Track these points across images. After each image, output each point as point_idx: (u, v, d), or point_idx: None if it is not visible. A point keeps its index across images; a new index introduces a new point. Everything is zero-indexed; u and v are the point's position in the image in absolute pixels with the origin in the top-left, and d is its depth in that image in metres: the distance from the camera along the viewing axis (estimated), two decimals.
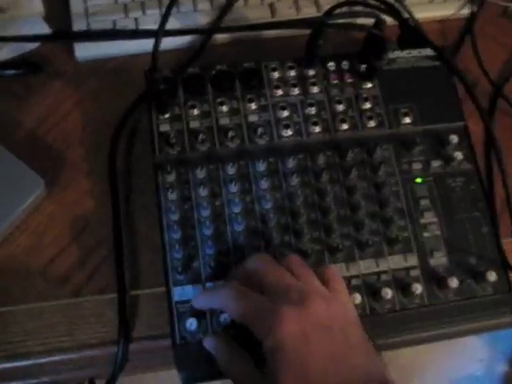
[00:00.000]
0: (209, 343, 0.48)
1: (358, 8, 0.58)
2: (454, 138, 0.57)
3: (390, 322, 0.51)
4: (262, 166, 0.54)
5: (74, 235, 0.56)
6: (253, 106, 0.56)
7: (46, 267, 0.55)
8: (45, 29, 0.63)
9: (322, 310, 0.44)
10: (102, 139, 0.59)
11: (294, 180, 0.54)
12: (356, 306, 0.50)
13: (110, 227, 0.55)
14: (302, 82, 0.58)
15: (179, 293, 0.50)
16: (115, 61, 0.64)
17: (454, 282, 0.52)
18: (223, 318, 0.48)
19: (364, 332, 0.46)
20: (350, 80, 0.59)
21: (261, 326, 0.44)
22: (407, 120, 0.58)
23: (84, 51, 0.62)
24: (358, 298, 0.50)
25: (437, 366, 1.35)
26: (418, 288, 0.51)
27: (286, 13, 0.64)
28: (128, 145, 0.60)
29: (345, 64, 0.59)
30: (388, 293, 0.51)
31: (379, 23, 0.54)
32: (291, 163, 0.54)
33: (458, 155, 0.56)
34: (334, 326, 0.44)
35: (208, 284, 0.50)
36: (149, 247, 0.56)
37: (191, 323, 0.49)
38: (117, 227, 0.55)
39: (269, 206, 0.53)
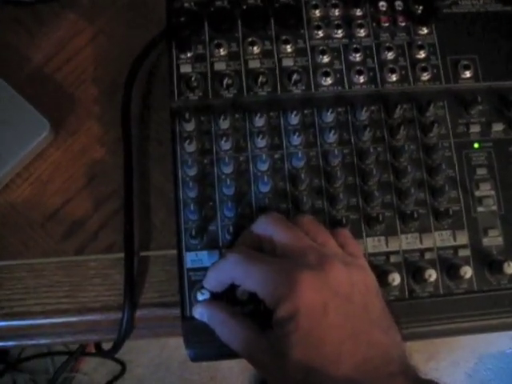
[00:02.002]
0: (199, 313, 0.43)
1: None
2: None
3: (431, 307, 0.45)
4: (295, 119, 0.46)
5: (81, 186, 0.51)
6: (288, 48, 0.49)
7: (48, 220, 0.50)
8: None
9: (343, 276, 0.38)
10: (117, 80, 0.52)
11: (332, 137, 0.46)
12: (394, 287, 0.44)
13: (121, 179, 0.49)
14: (348, 23, 0.50)
15: (192, 259, 0.44)
16: None
17: (509, 267, 0.44)
18: (240, 291, 0.42)
19: (385, 304, 0.41)
20: (403, 23, 0.50)
21: (273, 293, 0.38)
22: (468, 74, 0.49)
23: None
24: (396, 277, 0.44)
25: (466, 341, 1.30)
26: (467, 271, 0.44)
27: None
28: (145, 88, 0.53)
29: (398, 4, 0.51)
30: (432, 274, 0.44)
31: None
32: (329, 117, 0.47)
33: None
34: (355, 296, 0.39)
35: (225, 251, 0.44)
36: (163, 204, 0.50)
37: (203, 294, 0.43)
38: (128, 179, 0.49)
39: (300, 164, 0.46)
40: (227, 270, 0.41)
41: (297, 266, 0.38)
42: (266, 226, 0.42)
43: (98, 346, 0.58)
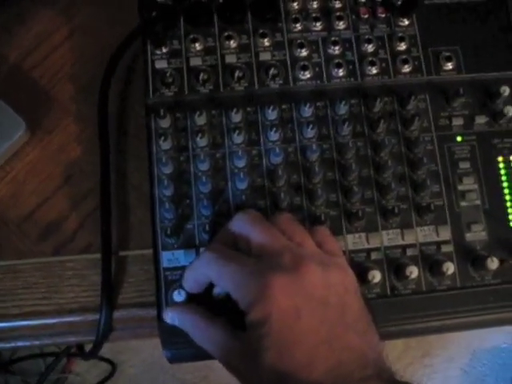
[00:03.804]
0: (170, 318, 0.42)
1: None
2: (506, 90, 0.47)
3: (414, 304, 0.44)
4: (272, 114, 0.45)
5: (58, 186, 0.50)
6: (266, 42, 0.48)
7: (24, 221, 0.49)
8: None
9: (319, 279, 0.37)
10: (95, 77, 0.51)
11: (310, 132, 0.45)
12: (375, 284, 0.43)
13: (98, 178, 0.48)
14: (326, 15, 0.49)
15: (169, 258, 0.43)
16: None
17: (493, 262, 0.43)
18: (216, 290, 0.41)
19: (363, 303, 0.40)
20: (383, 15, 0.49)
21: (246, 295, 0.37)
22: (449, 66, 0.48)
23: None
24: (377, 275, 0.43)
25: (460, 337, 1.29)
26: (449, 267, 0.43)
27: None
28: (123, 85, 0.52)
29: None
30: (413, 271, 0.43)
31: None
32: (308, 111, 0.46)
33: (509, 110, 0.47)
34: (331, 299, 0.37)
35: (202, 250, 0.43)
36: (142, 202, 0.49)
37: (180, 294, 0.42)
38: (105, 178, 0.48)
39: (278, 160, 0.45)
40: (202, 269, 0.40)
41: (271, 268, 0.37)
42: (242, 225, 0.41)
43: (80, 347, 0.57)
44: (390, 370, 0.37)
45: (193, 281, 0.41)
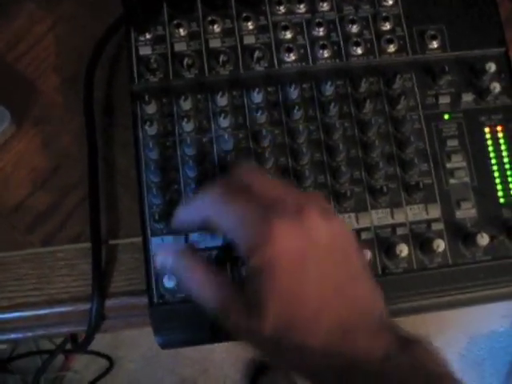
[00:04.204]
0: (160, 259, 0.39)
1: None
2: (492, 67, 0.47)
3: (406, 283, 0.44)
4: (258, 97, 0.45)
5: (46, 176, 0.50)
6: (250, 25, 0.47)
7: (13, 212, 0.49)
8: None
9: (323, 226, 0.35)
10: (80, 67, 0.51)
11: (297, 114, 0.45)
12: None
13: (86, 167, 0.48)
14: None
15: (158, 244, 0.43)
16: None
17: (483, 239, 0.43)
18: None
19: (364, 258, 0.39)
20: None
21: (249, 236, 0.34)
22: (435, 44, 0.48)
23: None
24: (367, 254, 0.43)
25: (457, 322, 1.29)
26: (440, 244, 0.43)
27: None
28: (108, 74, 0.52)
29: None
30: (404, 249, 0.43)
31: None
32: (294, 93, 0.45)
33: (496, 87, 0.47)
34: (336, 247, 0.35)
35: (193, 235, 0.43)
36: (130, 191, 0.48)
37: (170, 279, 0.42)
38: (93, 167, 0.48)
39: (266, 143, 0.44)
40: (203, 207, 0.37)
41: (276, 212, 0.34)
42: (242, 175, 0.38)
43: (74, 340, 0.57)
44: (396, 324, 0.36)
45: (187, 218, 0.39)
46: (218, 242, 0.43)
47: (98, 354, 1.03)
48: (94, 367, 1.13)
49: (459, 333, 1.29)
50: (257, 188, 0.36)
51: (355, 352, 0.33)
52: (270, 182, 0.38)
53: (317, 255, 0.34)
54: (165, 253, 0.39)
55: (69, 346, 0.70)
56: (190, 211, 0.38)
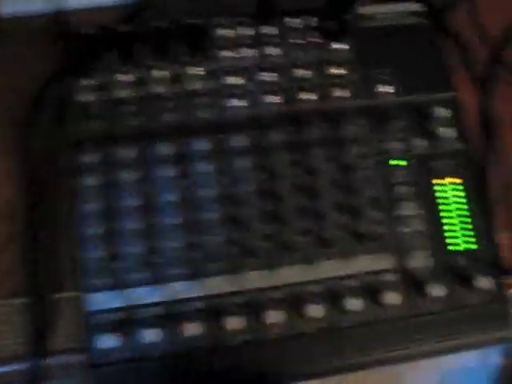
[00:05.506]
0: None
1: None
2: (442, 112, 0.46)
3: (358, 338, 0.42)
4: (204, 145, 0.44)
5: None
6: (196, 71, 0.46)
7: None
8: None
9: None
10: (21, 112, 0.49)
11: (243, 162, 0.43)
12: (314, 319, 0.41)
13: (26, 218, 0.45)
14: (257, 42, 0.47)
15: (95, 300, 0.40)
16: (46, 18, 0.53)
17: (438, 289, 0.42)
18: (147, 335, 0.39)
19: None
20: (316, 40, 0.48)
21: None
22: (386, 89, 0.47)
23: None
24: (317, 309, 0.41)
25: (427, 360, 1.26)
26: (392, 296, 0.42)
27: None
28: (50, 119, 0.50)
29: (311, 20, 0.48)
30: (355, 303, 0.41)
31: None
32: (240, 141, 0.44)
33: (446, 132, 0.46)
34: None
35: (132, 290, 0.41)
36: (70, 242, 0.46)
37: (108, 339, 0.39)
38: (32, 217, 0.45)
39: (210, 193, 0.43)
40: None
41: None
42: None
43: None
44: None
45: None
46: (156, 298, 0.40)
47: None
48: None
49: (430, 371, 1.27)
50: None
51: None
52: None
53: None
54: None
55: None
56: None
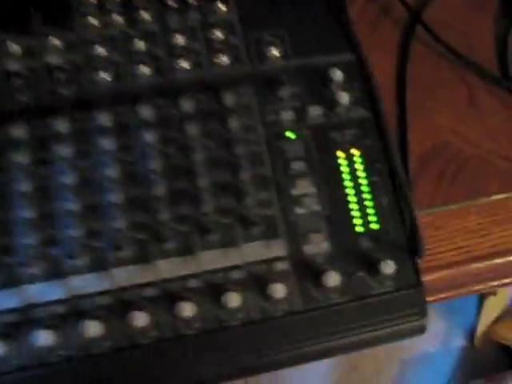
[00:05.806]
0: None
1: None
2: (337, 74, 0.41)
3: (245, 338, 0.36)
4: (64, 126, 0.38)
5: None
6: (55, 42, 0.40)
7: None
8: None
9: None
10: None
11: (107, 143, 0.38)
12: (191, 318, 0.35)
13: None
14: (127, 7, 0.41)
15: None
16: None
17: (336, 277, 0.37)
18: (41, 338, 0.33)
19: None
20: (194, 2, 0.42)
21: None
22: (275, 53, 0.41)
23: None
24: (192, 308, 0.35)
25: (387, 346, 1.22)
26: (284, 288, 0.36)
27: None
28: None
29: None
30: (238, 298, 0.35)
31: None
32: (105, 119, 0.38)
33: (345, 97, 0.40)
34: None
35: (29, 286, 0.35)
36: None
37: None
38: None
39: (68, 181, 0.37)
40: None
41: None
42: None
43: None
44: None
45: None
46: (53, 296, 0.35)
47: None
48: None
49: (390, 357, 1.22)
50: None
51: None
52: None
53: None
54: None
55: None
56: None
